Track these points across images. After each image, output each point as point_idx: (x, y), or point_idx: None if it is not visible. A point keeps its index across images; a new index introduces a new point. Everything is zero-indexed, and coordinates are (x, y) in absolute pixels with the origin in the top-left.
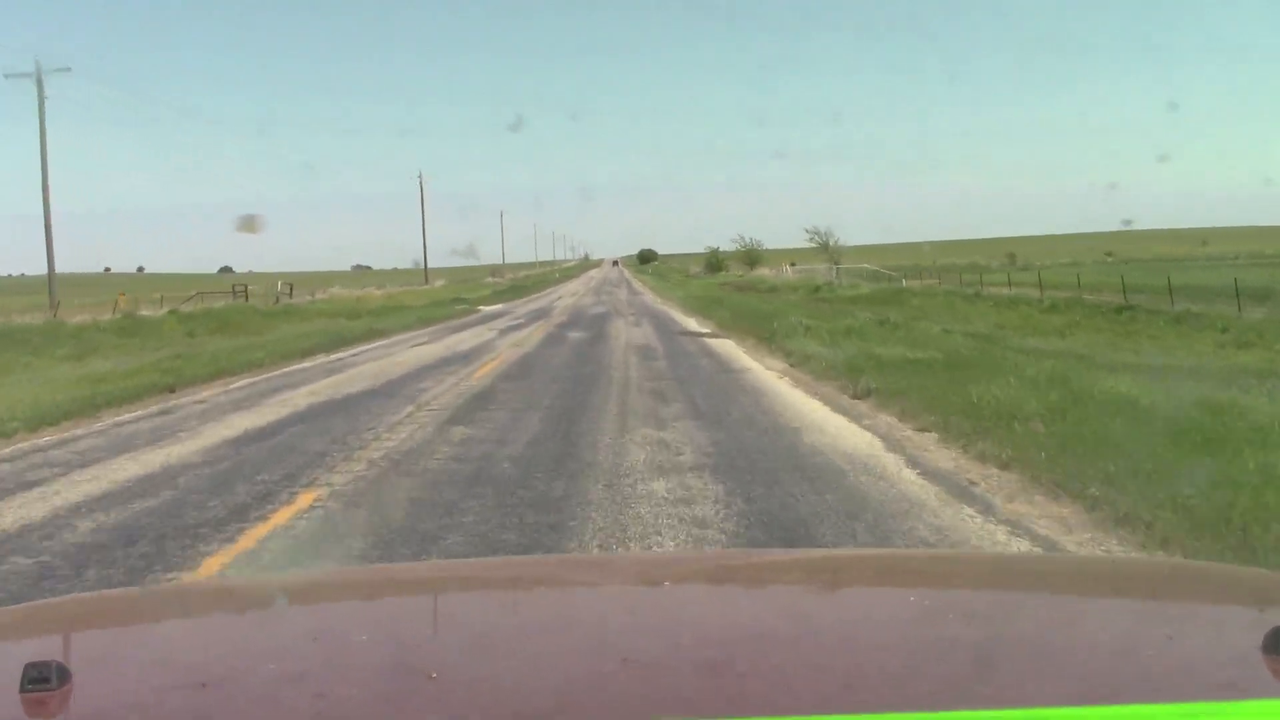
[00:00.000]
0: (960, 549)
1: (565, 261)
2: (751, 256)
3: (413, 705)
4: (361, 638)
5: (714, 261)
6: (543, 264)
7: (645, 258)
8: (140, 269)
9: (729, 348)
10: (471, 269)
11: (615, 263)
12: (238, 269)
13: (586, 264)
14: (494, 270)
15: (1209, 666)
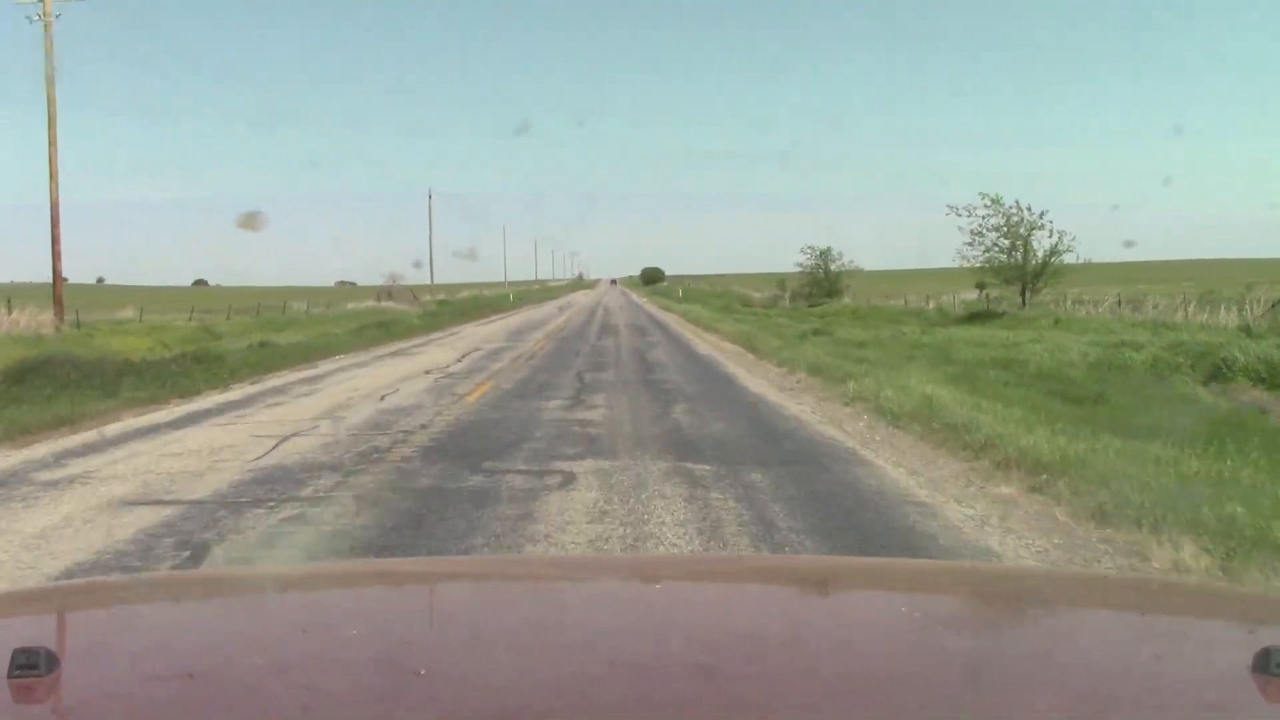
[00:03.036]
0: (954, 560)
1: (552, 280)
2: (1049, 269)
3: (400, 701)
4: (350, 632)
5: (823, 281)
6: (513, 284)
7: (650, 277)
8: (100, 280)
9: None
10: (348, 289)
11: (613, 282)
12: (214, 282)
13: (579, 284)
14: (384, 291)
15: (1198, 686)
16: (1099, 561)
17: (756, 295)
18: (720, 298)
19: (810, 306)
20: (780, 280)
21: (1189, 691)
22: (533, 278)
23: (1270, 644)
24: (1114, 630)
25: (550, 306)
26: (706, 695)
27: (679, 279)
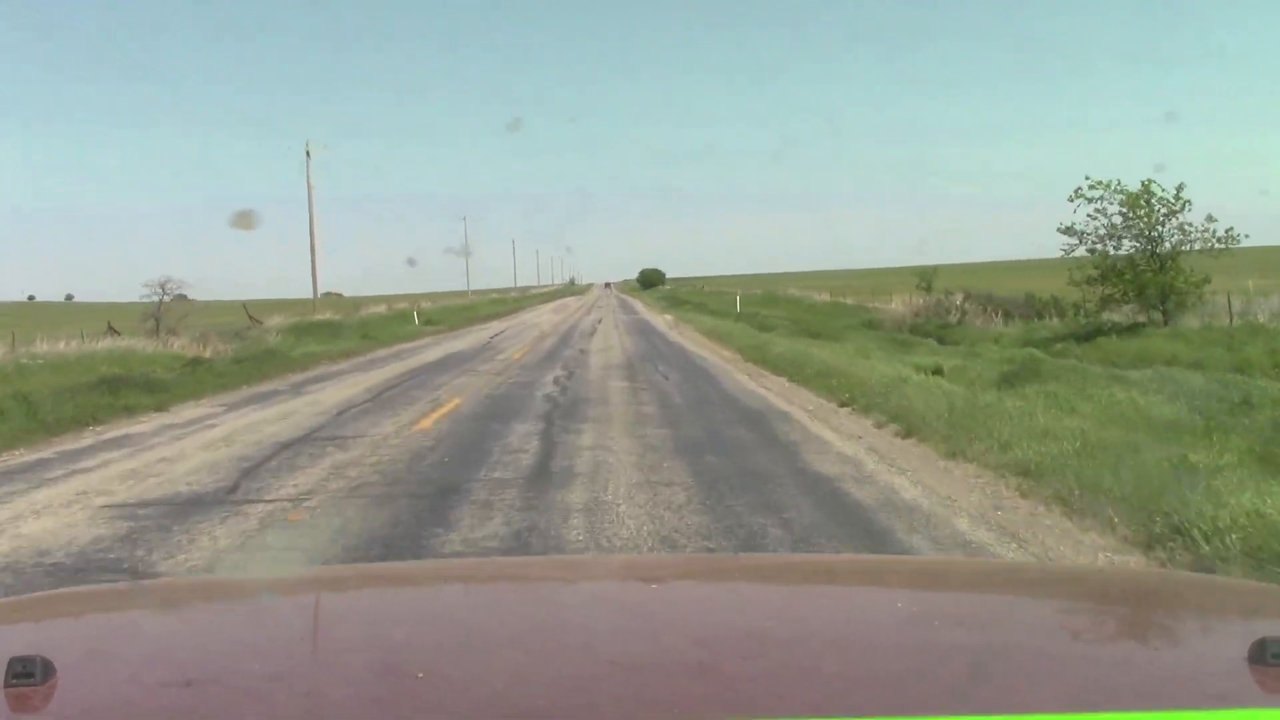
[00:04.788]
0: (951, 556)
1: (536, 287)
2: None
3: (400, 705)
4: (348, 637)
5: (1142, 268)
6: (477, 293)
7: (649, 280)
8: (69, 297)
9: None
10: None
11: (608, 285)
12: (194, 297)
13: (569, 289)
14: (151, 314)
15: (1196, 676)
16: None
17: (894, 306)
18: (782, 304)
19: (1120, 335)
20: (922, 275)
21: (1186, 683)
22: (530, 281)
23: (1266, 634)
24: (1111, 623)
25: (435, 352)
26: (706, 694)
27: (682, 281)
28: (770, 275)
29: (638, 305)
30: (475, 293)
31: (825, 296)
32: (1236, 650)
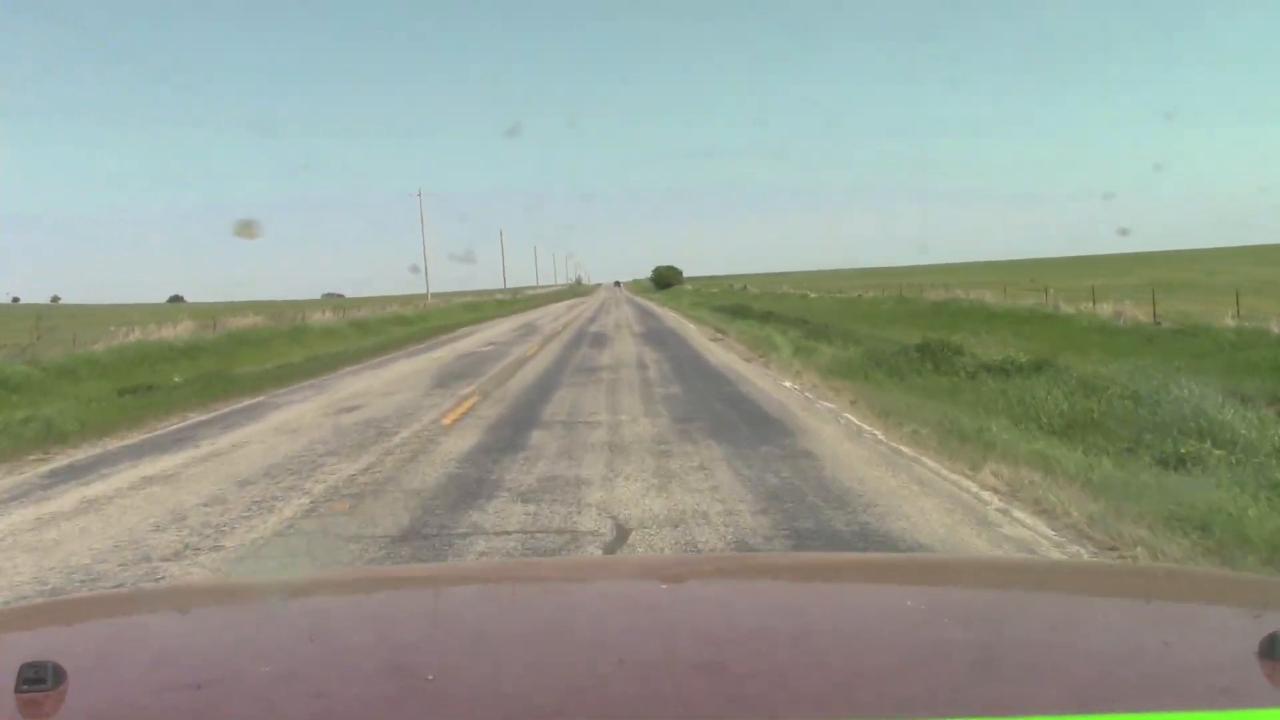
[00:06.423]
0: (958, 553)
1: (533, 288)
2: None
3: (409, 707)
4: (358, 639)
5: None
6: (439, 296)
7: (664, 279)
8: (55, 299)
9: None
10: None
11: (618, 284)
12: (192, 299)
13: (575, 289)
14: None
15: (1206, 672)
16: None
17: None
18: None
19: None
20: None
21: (1197, 678)
22: (532, 281)
23: (1277, 629)
24: (1121, 618)
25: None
26: (715, 692)
27: (703, 281)
28: (785, 274)
29: (699, 340)
30: (437, 295)
31: (1067, 305)
32: (1247, 646)
